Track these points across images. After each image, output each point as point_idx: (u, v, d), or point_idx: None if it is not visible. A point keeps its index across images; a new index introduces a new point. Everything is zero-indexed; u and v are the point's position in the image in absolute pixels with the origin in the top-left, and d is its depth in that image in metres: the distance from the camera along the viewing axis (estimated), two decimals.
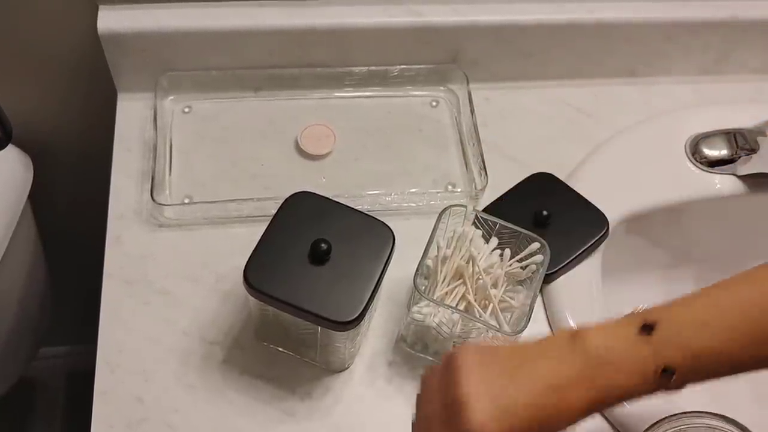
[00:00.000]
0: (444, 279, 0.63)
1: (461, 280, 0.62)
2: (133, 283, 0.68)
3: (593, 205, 0.73)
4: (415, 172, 0.77)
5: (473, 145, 0.77)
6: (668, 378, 0.47)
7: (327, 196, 0.62)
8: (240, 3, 0.75)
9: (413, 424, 0.53)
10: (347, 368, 0.66)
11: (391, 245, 0.60)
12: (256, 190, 0.74)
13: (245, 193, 0.73)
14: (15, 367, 0.99)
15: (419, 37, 0.78)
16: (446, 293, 0.62)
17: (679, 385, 0.48)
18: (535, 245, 0.63)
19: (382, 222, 0.61)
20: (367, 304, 0.57)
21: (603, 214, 0.72)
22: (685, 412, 0.55)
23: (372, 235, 0.60)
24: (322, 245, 0.57)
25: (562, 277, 0.70)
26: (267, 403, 0.64)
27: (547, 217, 0.70)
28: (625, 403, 0.49)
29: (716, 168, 0.78)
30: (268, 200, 0.69)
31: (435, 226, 0.62)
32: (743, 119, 0.78)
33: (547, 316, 0.69)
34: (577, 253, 0.70)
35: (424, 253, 0.61)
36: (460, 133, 0.80)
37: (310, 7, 0.76)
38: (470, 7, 0.78)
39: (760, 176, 0.76)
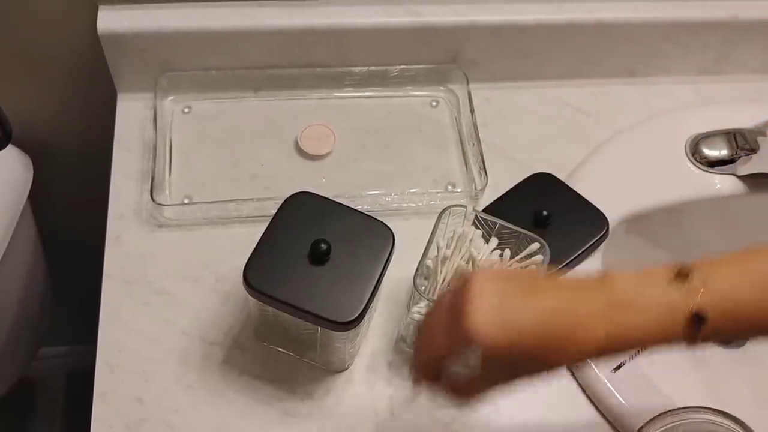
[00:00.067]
0: (444, 279, 0.63)
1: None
2: (133, 283, 0.68)
3: (593, 205, 0.73)
4: (415, 172, 0.77)
5: (473, 145, 0.77)
6: (698, 325, 0.46)
7: (327, 196, 0.62)
8: (240, 3, 0.75)
9: (415, 341, 0.51)
10: (347, 368, 0.66)
11: (390, 245, 0.60)
12: (255, 191, 0.74)
13: (245, 194, 0.73)
14: (15, 367, 0.99)
15: (419, 37, 0.78)
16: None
17: (707, 337, 0.46)
18: (535, 245, 0.63)
19: (382, 222, 0.61)
20: (366, 304, 0.57)
21: (603, 214, 0.72)
22: (683, 408, 0.55)
23: (372, 236, 0.60)
24: (322, 245, 0.57)
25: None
26: (267, 403, 0.64)
27: (547, 217, 0.70)
28: (641, 351, 0.47)
29: (716, 168, 0.78)
30: (268, 200, 0.69)
31: (435, 226, 0.62)
32: (743, 119, 0.78)
33: None
34: (577, 253, 0.70)
35: (423, 253, 0.61)
36: (460, 133, 0.80)
37: (309, 7, 0.76)
38: (470, 7, 0.78)
39: (760, 176, 0.76)
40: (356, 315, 0.56)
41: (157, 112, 0.75)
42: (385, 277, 0.59)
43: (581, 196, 0.73)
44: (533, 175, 0.76)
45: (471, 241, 0.63)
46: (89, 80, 0.81)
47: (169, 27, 0.74)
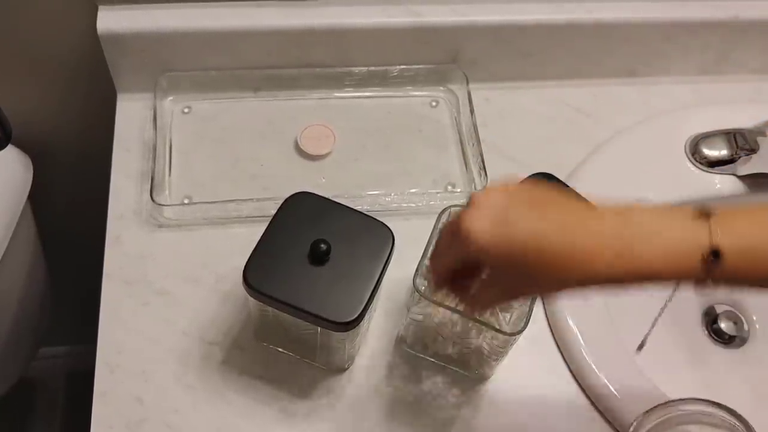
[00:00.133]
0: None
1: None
2: (133, 283, 0.68)
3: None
4: (415, 172, 0.77)
5: (473, 145, 0.77)
6: (713, 263, 0.45)
7: (327, 196, 0.62)
8: (239, 3, 0.75)
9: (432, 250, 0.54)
10: (347, 369, 0.66)
11: (390, 245, 0.60)
12: (255, 191, 0.74)
13: (245, 194, 0.73)
14: (15, 367, 0.99)
15: (418, 37, 0.78)
16: (446, 293, 0.62)
17: (718, 277, 0.46)
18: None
19: (382, 222, 0.61)
20: (366, 304, 0.57)
21: None
22: (677, 400, 0.55)
23: (372, 236, 0.60)
24: (322, 245, 0.57)
25: None
26: (266, 403, 0.64)
27: None
28: (646, 286, 0.47)
29: (716, 168, 0.78)
30: (268, 200, 0.69)
31: (435, 226, 0.62)
32: (743, 119, 0.78)
33: (546, 316, 0.69)
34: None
35: (423, 253, 0.61)
36: (459, 133, 0.80)
37: (308, 7, 0.76)
38: (469, 7, 0.78)
39: (760, 176, 0.76)
40: (356, 315, 0.56)
41: (156, 112, 0.75)
42: (385, 277, 0.59)
43: (581, 196, 0.73)
44: (533, 174, 0.76)
45: None
46: (89, 80, 0.81)
47: (168, 27, 0.74)
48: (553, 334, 0.69)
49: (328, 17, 0.76)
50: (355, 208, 0.62)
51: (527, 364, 0.67)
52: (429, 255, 0.55)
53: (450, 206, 0.63)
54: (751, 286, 0.48)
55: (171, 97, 0.79)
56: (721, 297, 0.82)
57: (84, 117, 0.87)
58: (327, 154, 0.77)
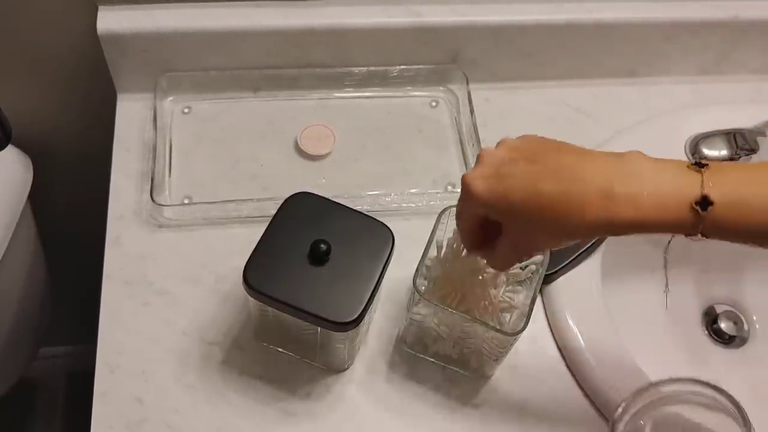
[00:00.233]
0: (444, 279, 0.63)
1: (460, 281, 0.62)
2: (133, 283, 0.68)
3: None
4: (415, 173, 0.77)
5: (473, 145, 0.77)
6: (702, 210, 0.46)
7: (327, 196, 0.62)
8: (239, 3, 0.75)
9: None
10: (347, 369, 0.66)
11: (390, 246, 0.60)
12: (255, 191, 0.74)
13: (245, 194, 0.73)
14: (15, 367, 0.99)
15: (418, 37, 0.78)
16: (446, 294, 0.62)
17: (710, 226, 0.47)
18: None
19: (382, 222, 0.61)
20: (366, 304, 0.57)
21: None
22: (665, 380, 0.54)
23: (372, 236, 0.60)
24: (322, 246, 0.57)
25: (562, 278, 0.70)
26: (266, 403, 0.64)
27: None
28: (635, 233, 0.48)
29: None
30: (268, 201, 0.69)
31: (435, 226, 0.62)
32: (743, 119, 0.78)
33: (546, 317, 0.69)
34: (577, 254, 0.70)
35: (423, 253, 0.61)
36: (459, 134, 0.80)
37: (309, 7, 0.76)
38: (469, 8, 0.78)
39: None
40: (356, 315, 0.56)
41: (156, 113, 0.75)
42: (385, 277, 0.59)
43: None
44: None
45: None
46: (89, 80, 0.82)
47: (168, 27, 0.74)
48: (553, 334, 0.69)
49: (328, 17, 0.76)
50: (355, 208, 0.62)
51: (527, 365, 0.67)
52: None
53: (450, 206, 0.63)
54: (740, 238, 0.49)
55: (171, 98, 0.79)
56: (721, 297, 0.82)
57: (84, 117, 0.87)
58: (327, 154, 0.77)
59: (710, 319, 0.81)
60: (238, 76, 0.79)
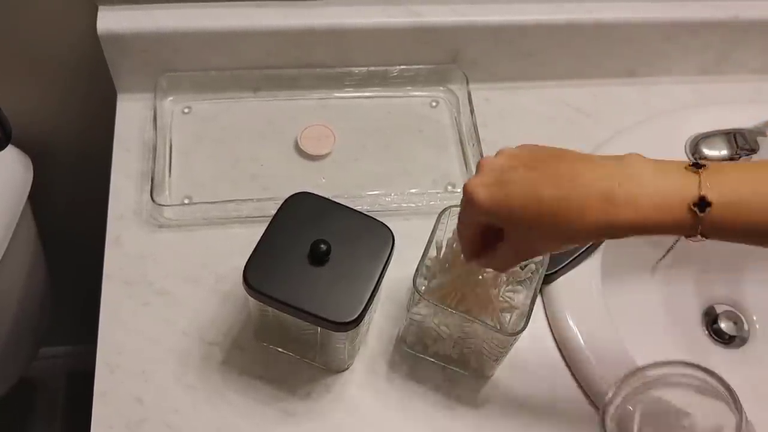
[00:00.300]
0: (444, 279, 0.63)
1: (460, 281, 0.62)
2: (133, 283, 0.68)
3: None
4: (415, 173, 0.77)
5: (473, 145, 0.77)
6: (701, 211, 0.47)
7: (327, 196, 0.62)
8: (239, 3, 0.75)
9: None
10: (347, 368, 0.66)
11: (390, 246, 0.60)
12: (255, 191, 0.74)
13: (245, 194, 0.73)
14: (15, 367, 0.99)
15: (418, 37, 0.78)
16: (446, 294, 0.62)
17: (708, 227, 0.47)
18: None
19: (382, 222, 0.61)
20: (366, 304, 0.57)
21: None
22: (653, 363, 0.54)
23: (372, 236, 0.60)
24: (322, 246, 0.57)
25: (562, 277, 0.70)
26: (266, 403, 0.64)
27: None
28: (635, 235, 0.48)
29: None
30: (268, 201, 0.69)
31: (435, 226, 0.62)
32: (743, 119, 0.78)
33: (546, 317, 0.69)
34: (577, 254, 0.70)
35: (423, 253, 0.61)
36: (459, 134, 0.80)
37: (309, 7, 0.76)
38: (469, 8, 0.78)
39: None
40: (356, 315, 0.56)
41: (157, 113, 0.75)
42: (385, 277, 0.59)
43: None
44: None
45: None
46: (89, 80, 0.81)
47: (168, 27, 0.74)
48: (553, 334, 0.69)
49: (328, 17, 0.76)
50: (355, 208, 0.62)
51: (527, 364, 0.67)
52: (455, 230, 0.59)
53: (450, 206, 0.63)
54: (740, 238, 0.49)
55: (171, 98, 0.79)
56: (722, 297, 0.82)
57: (84, 117, 0.87)
58: (327, 154, 0.77)
59: (710, 319, 0.81)
60: (238, 76, 0.79)
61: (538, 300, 0.69)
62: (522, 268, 0.64)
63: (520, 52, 0.82)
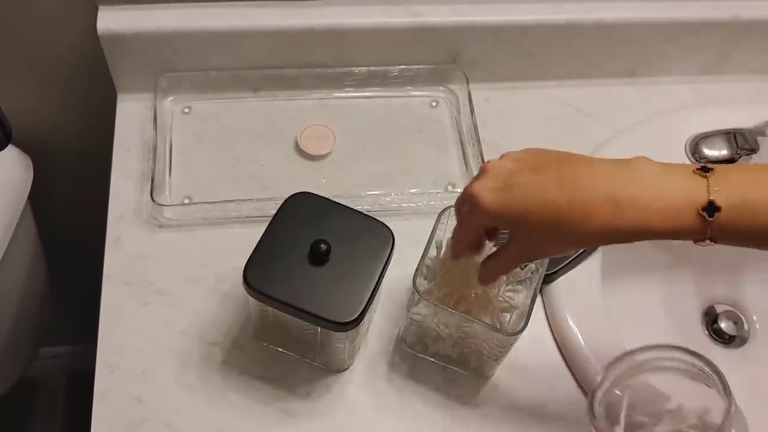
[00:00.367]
0: (444, 279, 0.63)
1: (461, 281, 0.62)
2: (133, 283, 0.68)
3: None
4: (415, 173, 0.77)
5: (473, 145, 0.77)
6: (709, 216, 0.46)
7: (327, 196, 0.62)
8: (239, 3, 0.75)
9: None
10: (347, 368, 0.66)
11: (390, 246, 0.60)
12: (255, 191, 0.74)
13: (245, 194, 0.73)
14: (15, 367, 0.99)
15: (418, 37, 0.78)
16: (446, 294, 0.62)
17: (717, 231, 0.47)
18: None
19: (382, 222, 0.61)
20: (366, 304, 0.57)
21: None
22: (641, 347, 0.53)
23: (372, 236, 0.60)
24: (322, 246, 0.57)
25: (562, 277, 0.70)
26: (267, 403, 0.64)
27: None
28: (642, 240, 0.48)
29: None
30: (268, 201, 0.69)
31: (435, 226, 0.62)
32: (743, 119, 0.78)
33: (546, 316, 0.69)
34: (577, 253, 0.70)
35: (423, 253, 0.61)
36: (460, 133, 0.80)
37: (309, 7, 0.76)
38: (469, 8, 0.78)
39: None
40: (356, 315, 0.56)
41: (157, 113, 0.75)
42: (385, 277, 0.59)
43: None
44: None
45: None
46: (89, 80, 0.82)
47: (168, 27, 0.74)
48: (553, 334, 0.69)
49: (328, 17, 0.76)
50: (355, 208, 0.62)
51: (527, 364, 0.67)
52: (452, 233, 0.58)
53: (450, 206, 0.63)
54: (749, 242, 0.49)
55: (171, 97, 0.79)
56: (722, 297, 0.82)
57: (84, 117, 0.87)
58: (327, 154, 0.77)
59: (710, 318, 0.81)
60: (238, 76, 0.79)
61: (538, 300, 0.69)
62: (522, 268, 0.64)
63: (520, 52, 0.82)
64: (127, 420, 0.62)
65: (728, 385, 0.49)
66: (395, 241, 0.60)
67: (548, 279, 0.69)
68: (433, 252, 0.63)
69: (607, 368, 0.53)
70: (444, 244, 0.63)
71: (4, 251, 0.81)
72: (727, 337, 0.80)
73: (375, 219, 0.61)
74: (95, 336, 0.65)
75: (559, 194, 0.49)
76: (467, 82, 0.80)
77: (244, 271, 0.57)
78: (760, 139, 0.76)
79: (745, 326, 0.81)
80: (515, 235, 0.53)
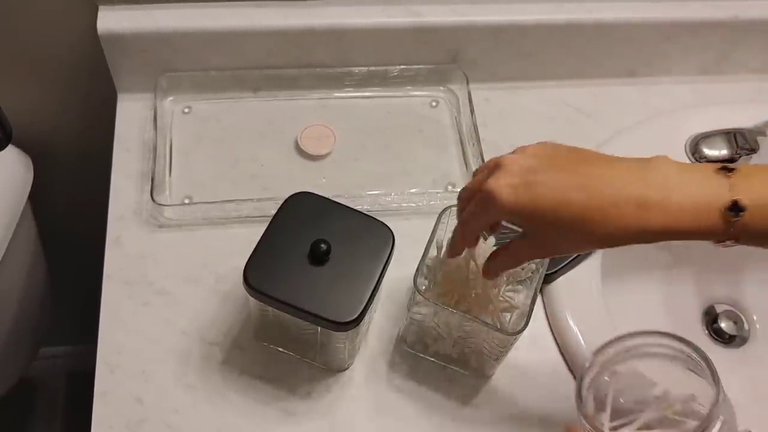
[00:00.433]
0: (444, 279, 0.63)
1: (461, 281, 0.62)
2: (133, 283, 0.68)
3: None
4: (415, 172, 0.77)
5: (473, 145, 0.77)
6: (733, 216, 0.46)
7: (327, 196, 0.62)
8: (238, 3, 0.75)
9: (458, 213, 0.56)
10: (347, 368, 0.66)
11: (390, 245, 0.60)
12: (255, 191, 0.74)
13: (245, 194, 0.73)
14: (15, 367, 0.99)
15: (418, 37, 0.78)
16: (446, 293, 0.62)
17: (740, 232, 0.47)
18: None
19: (382, 222, 0.61)
20: (366, 304, 0.57)
21: None
22: (629, 333, 0.53)
23: (372, 236, 0.60)
24: (322, 245, 0.57)
25: (562, 277, 0.70)
26: (267, 403, 0.64)
27: None
28: (666, 240, 0.47)
29: None
30: (268, 200, 0.69)
31: (435, 226, 0.62)
32: (743, 119, 0.78)
33: (547, 316, 0.69)
34: (577, 253, 0.70)
35: (423, 253, 0.61)
36: (460, 133, 0.80)
37: (309, 7, 0.76)
38: (469, 7, 0.78)
39: None
40: (356, 315, 0.56)
41: (157, 113, 0.75)
42: (385, 277, 0.59)
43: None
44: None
45: None
46: (89, 80, 0.82)
47: (168, 27, 0.74)
48: (553, 334, 0.69)
49: (328, 17, 0.76)
50: (355, 208, 0.62)
51: (527, 364, 0.67)
52: (455, 226, 0.57)
53: (450, 206, 0.63)
54: None
55: (171, 97, 0.79)
56: (722, 297, 0.82)
57: (84, 117, 0.87)
58: (327, 154, 0.77)
59: (710, 318, 0.81)
60: (238, 76, 0.79)
61: (538, 300, 0.69)
62: (522, 269, 0.64)
63: (520, 52, 0.82)
64: (127, 420, 0.62)
65: (716, 372, 0.49)
66: (395, 241, 0.60)
67: (548, 279, 0.69)
68: (433, 252, 0.63)
69: (595, 354, 0.53)
70: (444, 244, 0.63)
71: (4, 251, 0.81)
72: (727, 336, 0.80)
73: (375, 219, 0.61)
74: (95, 336, 0.65)
75: (584, 193, 0.48)
76: (467, 82, 0.80)
77: (244, 270, 0.57)
78: (760, 139, 0.76)
79: (745, 326, 0.81)
80: (531, 233, 0.52)
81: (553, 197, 0.48)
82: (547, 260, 0.62)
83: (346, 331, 0.57)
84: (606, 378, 0.53)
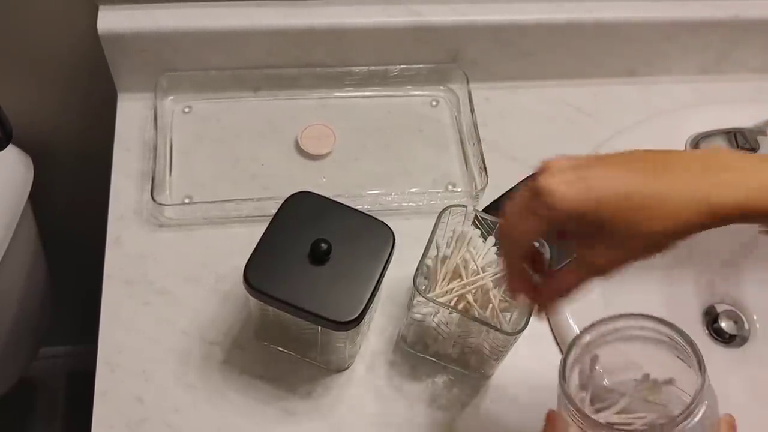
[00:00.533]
0: (444, 279, 0.63)
1: (461, 280, 0.62)
2: (133, 283, 0.68)
3: None
4: (415, 172, 0.77)
5: (473, 144, 0.77)
6: None
7: (327, 196, 0.62)
8: (239, 3, 0.75)
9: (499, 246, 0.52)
10: (347, 368, 0.66)
11: (391, 245, 0.60)
12: (255, 190, 0.74)
13: (245, 193, 0.73)
14: (15, 367, 0.99)
15: (418, 36, 0.78)
16: (446, 293, 0.62)
17: None
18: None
19: (382, 222, 0.61)
20: (367, 304, 0.57)
21: None
22: (613, 316, 0.53)
23: (372, 235, 0.60)
24: (322, 245, 0.57)
25: None
26: (267, 402, 0.64)
27: None
28: (737, 223, 0.45)
29: None
30: (268, 200, 0.69)
31: (435, 226, 0.62)
32: (743, 119, 0.78)
33: (547, 316, 0.69)
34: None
35: (424, 253, 0.61)
36: (460, 133, 0.80)
37: (308, 7, 0.76)
38: (470, 7, 0.78)
39: None
40: (356, 315, 0.56)
41: (157, 112, 0.75)
42: (385, 277, 0.59)
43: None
44: (533, 174, 0.75)
45: (470, 241, 0.63)
46: (89, 80, 0.82)
47: (168, 27, 0.74)
48: (553, 334, 0.69)
49: (328, 17, 0.76)
50: (356, 207, 0.62)
51: (527, 364, 0.67)
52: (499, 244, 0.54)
53: (450, 206, 0.63)
54: None
55: (171, 97, 0.79)
56: (722, 296, 0.82)
57: (84, 117, 0.87)
58: (327, 154, 0.77)
59: (711, 318, 0.81)
60: (238, 76, 0.79)
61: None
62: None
63: (520, 52, 0.82)
64: (128, 419, 0.62)
65: (701, 356, 0.48)
66: (396, 241, 0.60)
67: None
68: (433, 251, 0.63)
69: (579, 335, 0.53)
70: (444, 244, 0.63)
71: (4, 251, 0.81)
72: (727, 336, 0.80)
73: (375, 218, 0.61)
74: (95, 336, 0.65)
75: (646, 186, 0.45)
76: (467, 82, 0.80)
77: (244, 270, 0.57)
78: (760, 138, 0.76)
79: (746, 326, 0.81)
80: (598, 233, 0.46)
81: (615, 190, 0.45)
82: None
83: (346, 330, 0.57)
84: (588, 359, 0.53)
